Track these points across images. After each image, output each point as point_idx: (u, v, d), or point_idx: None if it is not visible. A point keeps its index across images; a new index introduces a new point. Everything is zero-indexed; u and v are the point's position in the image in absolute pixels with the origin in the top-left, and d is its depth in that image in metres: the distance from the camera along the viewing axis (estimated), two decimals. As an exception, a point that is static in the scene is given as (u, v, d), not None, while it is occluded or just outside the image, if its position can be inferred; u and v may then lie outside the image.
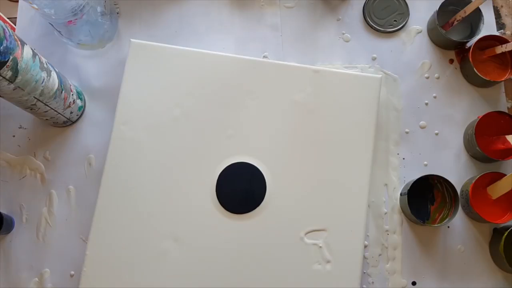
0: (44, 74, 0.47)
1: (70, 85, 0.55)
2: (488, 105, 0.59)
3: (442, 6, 0.58)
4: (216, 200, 0.52)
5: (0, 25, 0.40)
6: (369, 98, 0.54)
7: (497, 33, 0.61)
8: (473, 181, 0.53)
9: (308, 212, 0.52)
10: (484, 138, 0.55)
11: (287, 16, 0.62)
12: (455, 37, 0.60)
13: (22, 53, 0.43)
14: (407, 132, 0.58)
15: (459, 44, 0.59)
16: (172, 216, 0.52)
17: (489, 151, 0.54)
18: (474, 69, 0.56)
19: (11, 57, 0.41)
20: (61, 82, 0.51)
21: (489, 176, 0.54)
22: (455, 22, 0.58)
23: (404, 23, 0.61)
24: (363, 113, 0.54)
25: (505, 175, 0.52)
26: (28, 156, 0.57)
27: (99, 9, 0.55)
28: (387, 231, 0.55)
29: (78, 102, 0.56)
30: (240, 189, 0.53)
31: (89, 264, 0.51)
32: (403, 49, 0.61)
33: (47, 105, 0.50)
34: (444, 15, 0.59)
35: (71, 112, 0.55)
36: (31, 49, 0.45)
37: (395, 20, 0.61)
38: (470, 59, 0.56)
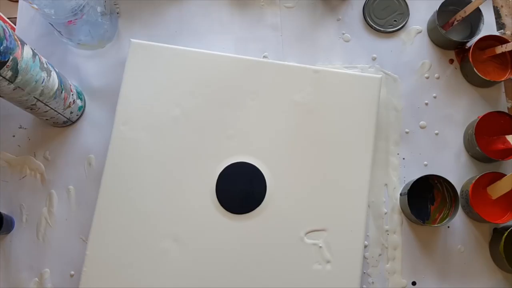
0: (44, 74, 0.47)
1: (70, 85, 0.55)
2: (488, 105, 0.59)
3: (442, 6, 0.58)
4: (216, 200, 0.52)
5: (0, 25, 0.40)
6: (369, 98, 0.54)
7: (497, 33, 0.61)
8: (473, 181, 0.53)
9: (308, 212, 0.52)
10: (484, 138, 0.55)
11: (287, 16, 0.62)
12: (455, 37, 0.60)
13: (22, 53, 0.43)
14: (407, 132, 0.58)
15: (459, 44, 0.59)
16: (172, 216, 0.52)
17: (489, 151, 0.54)
18: (474, 69, 0.56)
19: (11, 57, 0.41)
20: (61, 82, 0.51)
21: (489, 176, 0.54)
22: (455, 22, 0.58)
23: (404, 23, 0.61)
24: (363, 113, 0.54)
25: (505, 175, 0.52)
26: (28, 156, 0.57)
27: (99, 9, 0.55)
28: (387, 231, 0.55)
29: (78, 102, 0.56)
30: (240, 189, 0.53)
31: (89, 264, 0.51)
32: (403, 49, 0.61)
33: (47, 105, 0.50)
34: (444, 15, 0.59)
35: (71, 112, 0.55)
36: (31, 49, 0.45)
37: (395, 20, 0.61)
38: (470, 59, 0.56)
